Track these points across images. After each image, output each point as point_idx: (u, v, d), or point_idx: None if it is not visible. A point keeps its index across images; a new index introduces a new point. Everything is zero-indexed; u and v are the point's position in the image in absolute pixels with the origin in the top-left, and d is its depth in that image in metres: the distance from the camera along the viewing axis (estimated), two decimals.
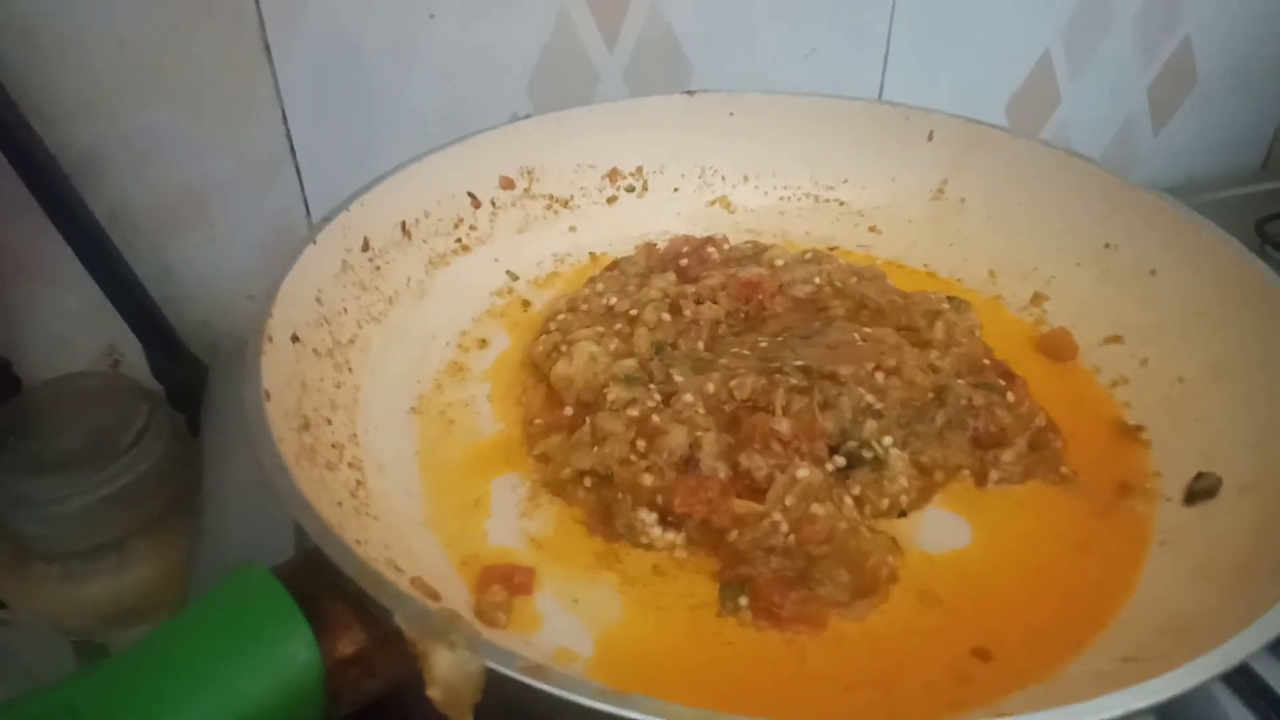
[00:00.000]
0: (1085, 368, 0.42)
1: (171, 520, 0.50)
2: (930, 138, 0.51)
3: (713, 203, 0.53)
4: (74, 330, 0.56)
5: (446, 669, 0.22)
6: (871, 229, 0.52)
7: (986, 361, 0.41)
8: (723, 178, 0.53)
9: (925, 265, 0.50)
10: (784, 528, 0.32)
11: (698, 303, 0.42)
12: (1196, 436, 0.37)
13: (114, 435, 0.49)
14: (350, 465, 0.35)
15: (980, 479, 0.37)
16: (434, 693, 0.22)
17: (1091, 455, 0.38)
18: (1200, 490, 0.34)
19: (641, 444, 0.34)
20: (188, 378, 0.55)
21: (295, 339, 0.36)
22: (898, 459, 0.35)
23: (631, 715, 0.21)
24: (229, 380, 0.54)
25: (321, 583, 0.25)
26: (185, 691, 0.22)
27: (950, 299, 0.44)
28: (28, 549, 0.48)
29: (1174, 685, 0.23)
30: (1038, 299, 0.46)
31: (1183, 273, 0.41)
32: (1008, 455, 0.37)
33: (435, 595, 0.30)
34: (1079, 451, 0.38)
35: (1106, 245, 0.44)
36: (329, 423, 0.35)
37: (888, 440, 0.36)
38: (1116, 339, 0.42)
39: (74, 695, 0.22)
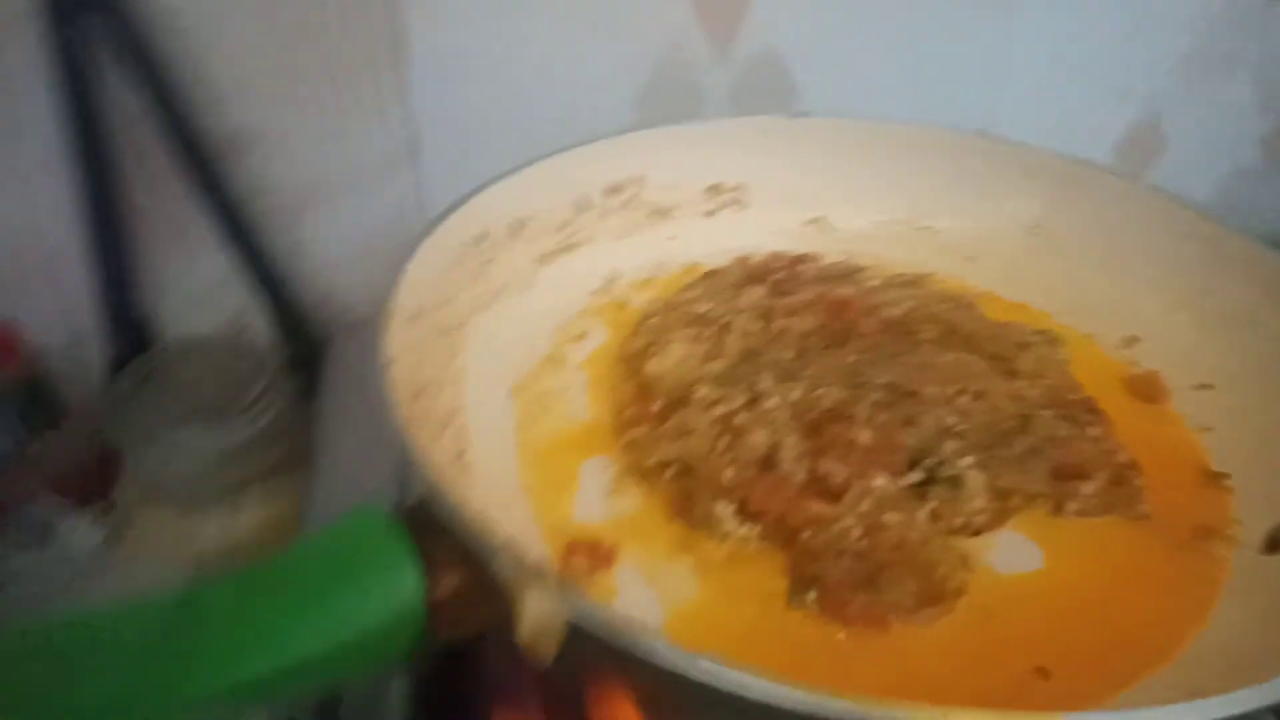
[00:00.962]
0: (1174, 412, 0.42)
1: (282, 475, 0.54)
2: (1031, 173, 0.52)
3: (810, 222, 0.55)
4: (210, 295, 0.60)
5: (535, 614, 0.24)
6: (967, 259, 0.53)
7: (1073, 397, 0.42)
8: (821, 199, 0.55)
9: (1019, 299, 0.50)
10: (856, 532, 0.34)
11: (789, 315, 0.44)
12: None
13: (238, 393, 0.53)
14: (455, 436, 0.38)
15: (1057, 508, 0.37)
16: (522, 634, 0.24)
17: (1173, 497, 0.38)
18: (1279, 540, 0.34)
19: (725, 441, 0.36)
20: (306, 347, 0.60)
21: (413, 318, 0.39)
22: (975, 480, 0.36)
23: (699, 672, 0.23)
24: (344, 351, 0.58)
25: (431, 528, 0.28)
26: (306, 604, 0.25)
27: (1041, 332, 0.45)
28: (153, 488, 0.53)
29: (1227, 707, 0.24)
30: (1130, 340, 0.46)
31: (1278, 322, 0.41)
32: (1087, 487, 0.37)
33: None
34: (1160, 493, 0.38)
35: (1204, 291, 0.45)
36: (438, 395, 0.38)
37: (966, 461, 0.37)
38: (1208, 385, 0.42)
39: (205, 597, 0.25)
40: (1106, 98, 0.64)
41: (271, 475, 0.54)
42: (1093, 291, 0.49)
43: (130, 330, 0.58)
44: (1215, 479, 0.39)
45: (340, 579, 0.26)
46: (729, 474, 0.35)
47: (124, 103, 0.53)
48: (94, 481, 0.55)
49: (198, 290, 0.61)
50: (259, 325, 0.61)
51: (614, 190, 0.52)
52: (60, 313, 0.57)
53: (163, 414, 0.52)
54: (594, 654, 0.25)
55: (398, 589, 0.26)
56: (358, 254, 0.62)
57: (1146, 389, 0.43)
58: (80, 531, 0.54)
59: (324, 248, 0.62)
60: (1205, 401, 0.42)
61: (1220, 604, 0.33)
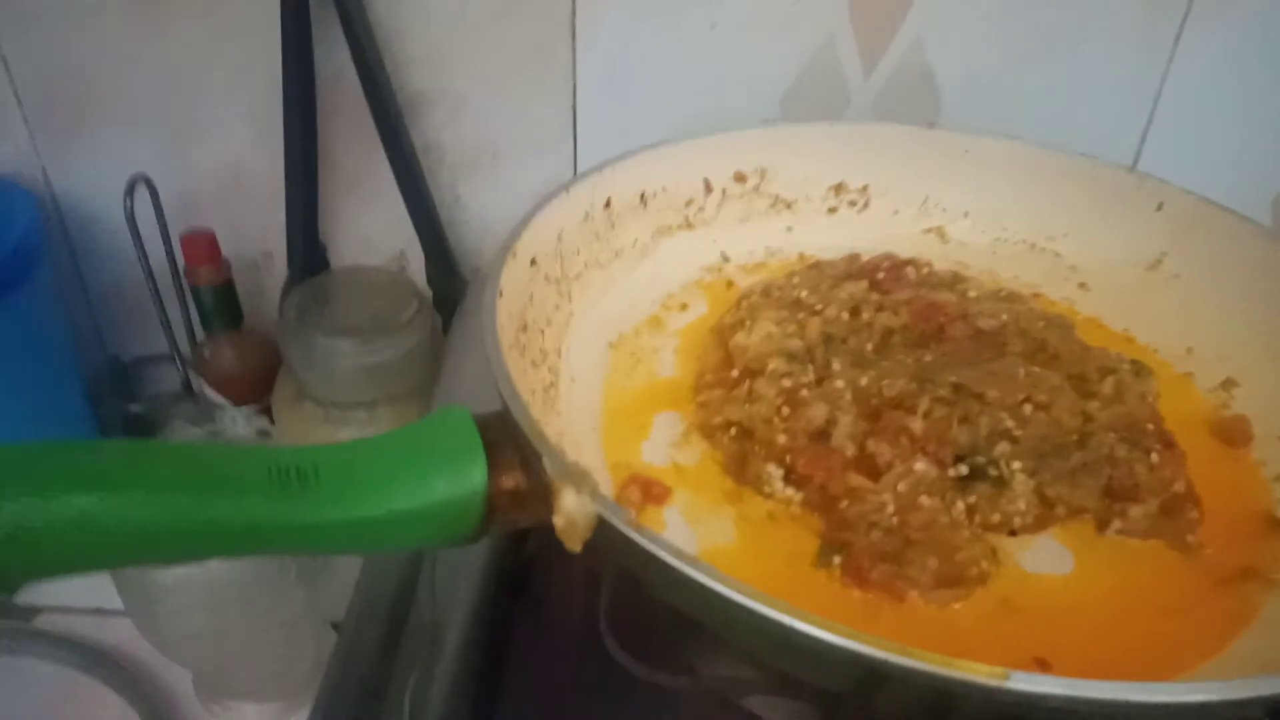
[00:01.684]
0: (1253, 458, 0.42)
1: (416, 397, 0.61)
2: (1159, 208, 0.51)
3: (928, 231, 0.57)
4: (378, 234, 0.69)
5: (569, 505, 0.29)
6: (1080, 285, 0.53)
7: (1150, 426, 0.42)
8: (944, 210, 0.57)
9: (1125, 329, 0.50)
10: (890, 509, 0.36)
11: (878, 310, 0.46)
12: None
13: (387, 320, 0.61)
14: (549, 369, 0.42)
15: (1102, 525, 0.38)
16: (557, 520, 0.29)
17: (1226, 536, 0.38)
18: None
19: (785, 410, 0.39)
20: (452, 288, 0.67)
21: (533, 262, 0.44)
22: (1022, 483, 0.38)
23: (699, 578, 0.27)
24: (480, 296, 0.64)
25: (503, 432, 0.32)
26: (391, 473, 0.30)
27: (1133, 362, 0.45)
28: (305, 392, 0.61)
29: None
30: (1228, 384, 0.46)
31: None
32: (1136, 511, 0.38)
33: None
34: (1216, 529, 0.38)
35: None
36: (542, 333, 0.43)
37: (1016, 464, 0.38)
38: None
39: (317, 456, 0.31)
40: (1270, 152, 0.62)
41: (406, 396, 0.61)
42: (1201, 332, 0.48)
43: (309, 256, 0.67)
44: (1276, 526, 0.38)
45: (422, 457, 0.31)
46: (782, 439, 0.39)
47: (331, 62, 0.61)
48: (257, 382, 0.64)
49: (370, 228, 0.69)
50: (415, 265, 0.68)
51: (740, 178, 0.56)
52: (254, 233, 0.67)
53: (322, 330, 0.60)
54: (618, 552, 0.29)
55: (465, 475, 0.31)
56: (511, 214, 0.69)
57: (1231, 432, 0.43)
58: (239, 423, 0.62)
59: (483, 205, 0.69)
60: None
61: (1241, 640, 0.34)
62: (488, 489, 0.31)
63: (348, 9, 0.58)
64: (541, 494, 0.31)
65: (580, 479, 0.29)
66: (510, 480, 0.32)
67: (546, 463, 0.30)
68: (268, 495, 0.31)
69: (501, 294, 0.39)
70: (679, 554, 0.27)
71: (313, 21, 0.59)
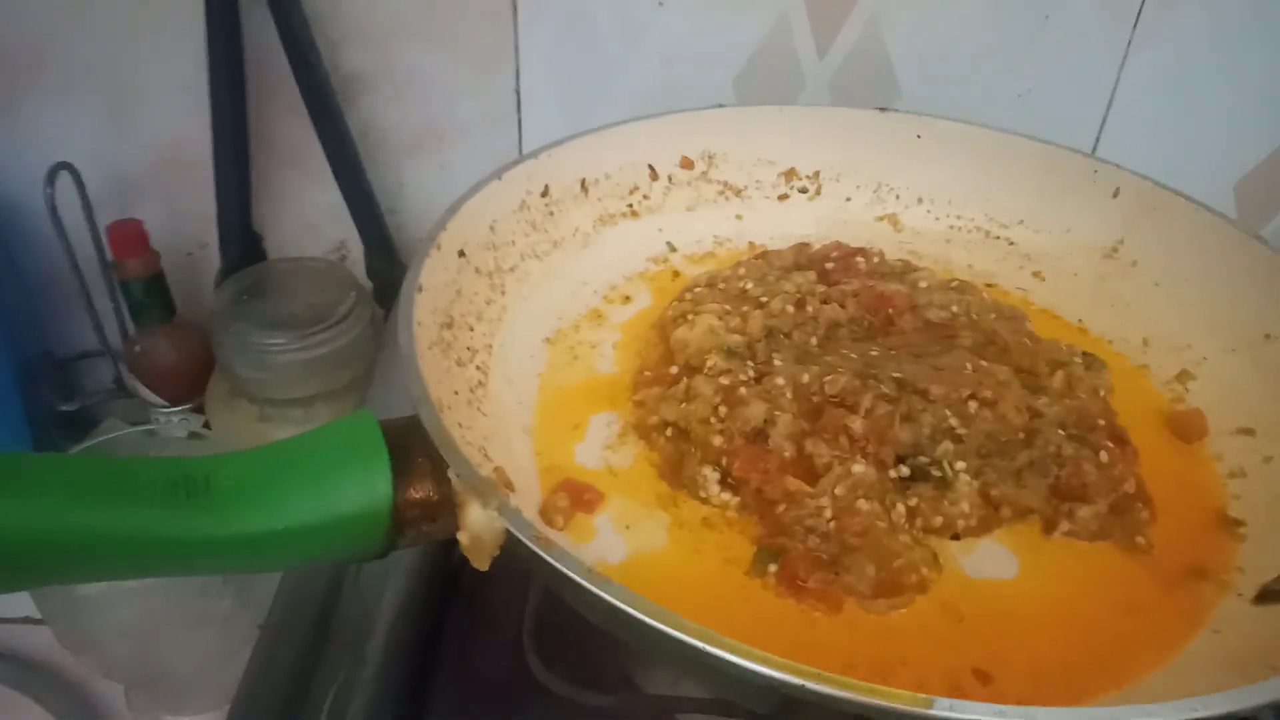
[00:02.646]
0: (1208, 453, 0.41)
1: (353, 391, 0.59)
2: (1115, 195, 0.50)
3: (881, 218, 0.55)
4: (316, 222, 0.66)
5: (475, 521, 0.27)
6: (1035, 274, 0.52)
7: (1101, 421, 0.41)
8: (897, 196, 0.55)
9: (1079, 320, 0.49)
10: (828, 513, 0.35)
11: (823, 302, 0.44)
12: None
13: (324, 313, 0.58)
14: (478, 368, 0.40)
15: (1049, 526, 0.37)
16: (462, 537, 0.27)
17: (1179, 535, 0.37)
18: (1275, 592, 0.33)
19: (723, 410, 0.38)
20: (393, 280, 0.64)
21: (461, 253, 0.42)
22: (965, 484, 0.36)
23: (608, 598, 0.25)
24: None
25: (415, 439, 0.30)
26: (291, 486, 0.29)
27: (1085, 355, 0.44)
28: (239, 388, 0.59)
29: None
30: (1183, 376, 0.44)
31: None
32: (1084, 511, 0.37)
33: (510, 486, 0.35)
34: (1167, 528, 0.37)
35: (1266, 336, 0.42)
36: (471, 329, 0.41)
37: (960, 465, 0.37)
38: (1248, 431, 0.40)
39: (210, 466, 0.29)
40: (1232, 136, 0.61)
41: (345, 391, 0.59)
42: (1157, 323, 0.47)
43: (245, 246, 0.64)
44: (1229, 524, 0.37)
45: (323, 467, 0.29)
46: (719, 441, 0.37)
47: (260, 39, 0.58)
48: (192, 378, 0.61)
49: (308, 217, 0.66)
50: (355, 256, 0.66)
51: (687, 164, 0.54)
52: (185, 222, 0.64)
53: (257, 324, 0.57)
54: (528, 566, 0.27)
55: (368, 486, 0.29)
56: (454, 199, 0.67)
57: (1186, 427, 0.42)
58: (173, 422, 0.60)
59: (426, 191, 0.66)
60: (1243, 446, 0.40)
61: (1192, 645, 0.32)
62: (394, 500, 0.29)
63: None
64: (453, 507, 0.29)
65: (487, 491, 0.27)
66: (420, 491, 0.30)
67: (452, 474, 0.28)
68: (160, 506, 0.29)
69: (421, 289, 0.37)
70: (589, 574, 0.25)
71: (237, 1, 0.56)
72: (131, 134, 0.63)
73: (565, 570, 0.25)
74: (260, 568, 0.30)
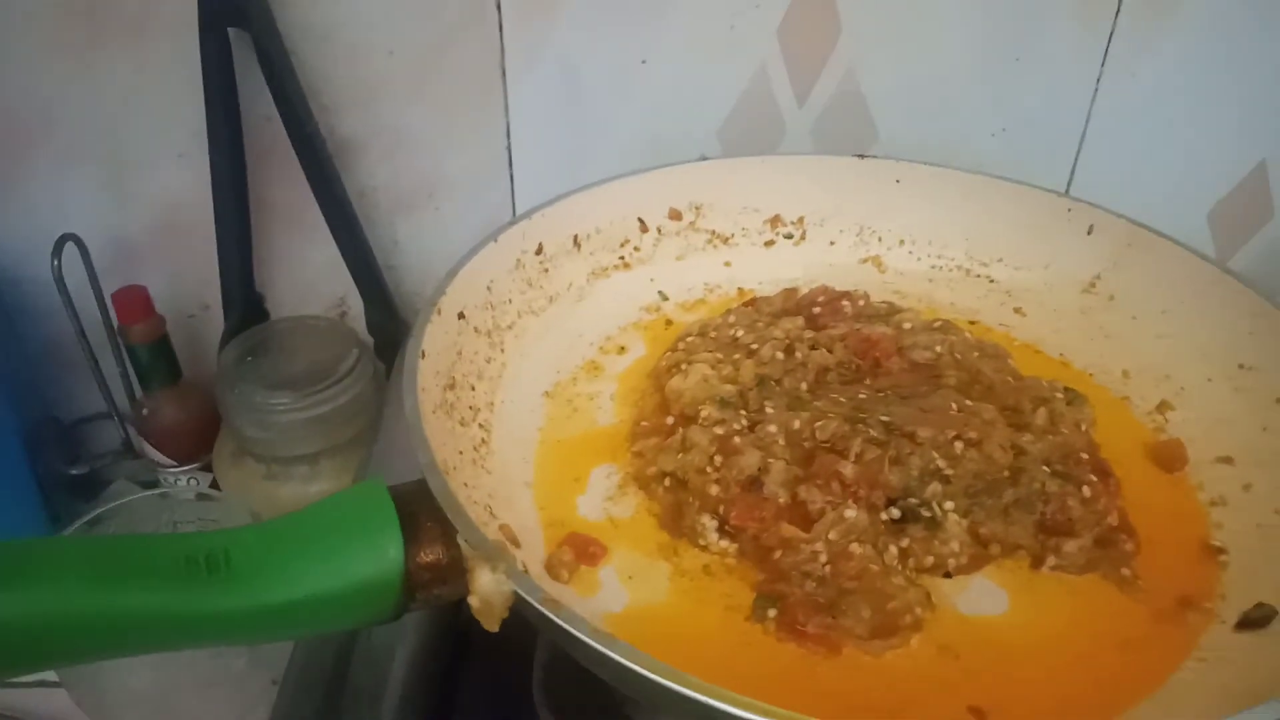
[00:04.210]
0: (1190, 482, 0.42)
1: (357, 447, 0.60)
2: (1090, 231, 0.52)
3: (865, 260, 0.57)
4: (316, 280, 0.67)
5: (485, 584, 0.28)
6: (1016, 310, 0.53)
7: (1085, 455, 0.42)
8: (879, 239, 0.57)
9: (1061, 355, 0.50)
10: (823, 558, 0.36)
11: (812, 348, 0.46)
12: (1276, 568, 0.36)
13: (327, 370, 0.59)
14: (480, 426, 0.42)
15: (1037, 562, 0.38)
16: (472, 600, 0.28)
17: (1163, 565, 0.38)
18: (1254, 619, 0.34)
19: (718, 459, 0.39)
20: (394, 335, 0.66)
21: (461, 316, 0.44)
22: (954, 524, 0.38)
23: (615, 657, 0.26)
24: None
25: (423, 504, 0.32)
26: (305, 554, 0.30)
27: (1067, 390, 0.45)
28: (246, 448, 0.60)
29: None
30: (1163, 406, 0.46)
31: None
32: (1070, 546, 0.38)
33: (516, 542, 0.36)
34: (1152, 559, 0.38)
35: (1241, 366, 0.44)
36: (472, 389, 0.43)
37: (949, 505, 0.38)
38: (1228, 460, 0.42)
39: (226, 541, 0.30)
40: (1204, 164, 0.63)
41: (349, 447, 0.60)
42: (1137, 355, 0.49)
43: (247, 306, 0.65)
44: (1212, 553, 0.38)
45: (335, 537, 0.30)
46: (715, 490, 0.38)
47: (257, 105, 0.60)
48: (199, 438, 0.63)
49: (308, 275, 0.68)
50: (356, 311, 0.67)
51: (675, 215, 0.56)
52: (187, 285, 0.66)
53: (261, 383, 0.58)
54: (536, 625, 0.29)
55: (381, 552, 0.30)
56: (452, 255, 0.68)
57: (1167, 457, 0.43)
58: (181, 483, 0.61)
59: (422, 247, 0.68)
60: (1223, 475, 0.42)
61: (1179, 675, 0.34)
62: (405, 566, 0.31)
63: (268, 50, 0.57)
64: (462, 570, 0.30)
65: (495, 555, 0.29)
66: (430, 555, 0.31)
67: (460, 539, 0.29)
68: (179, 584, 0.30)
69: (424, 355, 0.39)
70: (595, 634, 0.26)
71: (236, 62, 0.58)
72: (132, 201, 0.64)
73: (573, 630, 0.27)
74: (275, 638, 0.32)
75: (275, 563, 0.30)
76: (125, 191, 0.64)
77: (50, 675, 0.58)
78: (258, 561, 0.30)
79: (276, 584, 0.30)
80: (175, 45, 0.58)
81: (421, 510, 0.32)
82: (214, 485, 0.62)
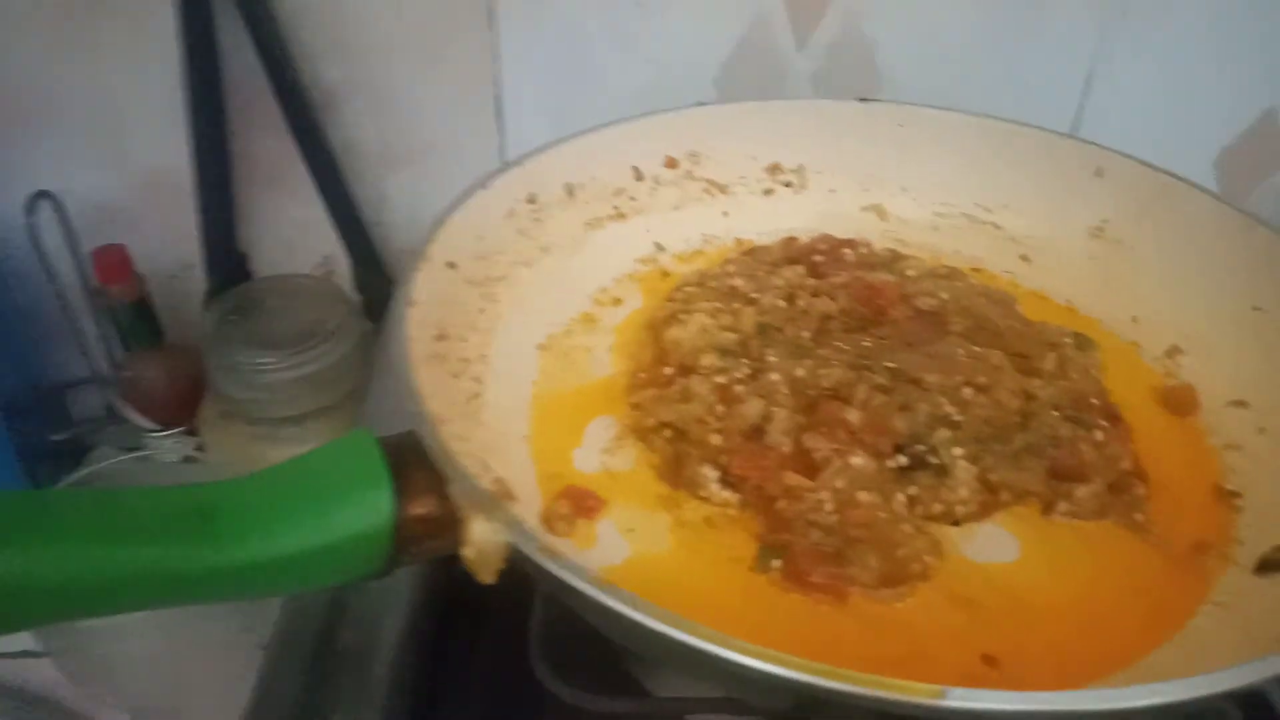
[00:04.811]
0: (1201, 427, 0.41)
1: (347, 408, 0.59)
2: (1099, 174, 0.50)
3: (867, 209, 0.55)
4: (301, 239, 0.66)
5: (479, 534, 0.27)
6: (1022, 257, 0.52)
7: (1095, 401, 0.41)
8: (882, 186, 0.55)
9: (1068, 300, 0.49)
10: (829, 506, 0.35)
11: (814, 296, 0.44)
12: None
13: (314, 329, 0.58)
14: (473, 379, 0.40)
15: (1048, 508, 0.37)
16: (466, 551, 0.27)
17: (1177, 510, 0.37)
18: (1272, 562, 0.33)
19: (720, 409, 0.38)
20: (382, 293, 0.64)
21: (451, 265, 0.42)
22: (964, 470, 0.37)
23: (618, 607, 0.25)
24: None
25: (415, 455, 0.30)
26: (294, 507, 0.29)
27: (1076, 335, 0.44)
28: (232, 410, 0.59)
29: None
30: (1173, 352, 0.45)
31: None
32: (1082, 491, 0.37)
33: (512, 496, 0.35)
34: (1165, 504, 0.37)
35: (1255, 308, 0.43)
36: (464, 340, 0.41)
37: (957, 451, 0.37)
38: (1241, 403, 0.41)
39: (215, 494, 0.29)
40: (1212, 108, 0.61)
41: (338, 407, 0.59)
42: (1145, 300, 0.47)
43: (230, 265, 0.64)
44: (1226, 497, 0.37)
45: (325, 489, 0.29)
46: (717, 439, 0.37)
47: (238, 56, 0.58)
48: (183, 401, 0.61)
49: (292, 233, 0.66)
50: (343, 270, 0.66)
51: (671, 163, 0.54)
52: (169, 244, 0.64)
53: (246, 343, 0.57)
54: (534, 577, 0.28)
55: (371, 504, 0.29)
56: (440, 209, 0.66)
57: (1178, 401, 0.42)
58: (166, 447, 0.60)
59: (410, 203, 0.66)
60: (1236, 419, 0.40)
61: (1197, 620, 0.33)
62: (396, 518, 0.29)
63: (247, 4, 0.55)
64: (455, 521, 0.29)
65: (491, 505, 0.27)
66: (422, 507, 0.30)
67: (453, 489, 0.28)
68: (170, 540, 0.29)
69: (414, 304, 0.37)
70: (596, 583, 0.25)
71: (215, 11, 0.56)
72: (111, 159, 0.62)
73: (572, 581, 0.25)
74: (265, 593, 0.30)
75: (264, 517, 0.29)
76: (104, 150, 0.62)
77: (36, 645, 0.57)
78: (246, 515, 0.29)
79: (266, 539, 0.29)
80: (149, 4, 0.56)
81: (412, 461, 0.30)
82: (200, 449, 0.61)
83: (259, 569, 0.29)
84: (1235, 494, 0.37)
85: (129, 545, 0.28)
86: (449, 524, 0.30)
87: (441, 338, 0.39)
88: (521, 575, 0.29)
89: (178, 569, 0.28)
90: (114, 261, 0.58)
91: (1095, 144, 0.51)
